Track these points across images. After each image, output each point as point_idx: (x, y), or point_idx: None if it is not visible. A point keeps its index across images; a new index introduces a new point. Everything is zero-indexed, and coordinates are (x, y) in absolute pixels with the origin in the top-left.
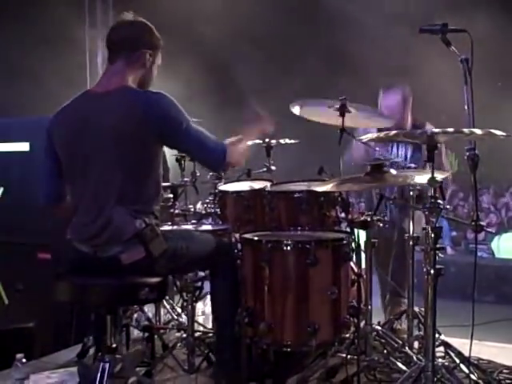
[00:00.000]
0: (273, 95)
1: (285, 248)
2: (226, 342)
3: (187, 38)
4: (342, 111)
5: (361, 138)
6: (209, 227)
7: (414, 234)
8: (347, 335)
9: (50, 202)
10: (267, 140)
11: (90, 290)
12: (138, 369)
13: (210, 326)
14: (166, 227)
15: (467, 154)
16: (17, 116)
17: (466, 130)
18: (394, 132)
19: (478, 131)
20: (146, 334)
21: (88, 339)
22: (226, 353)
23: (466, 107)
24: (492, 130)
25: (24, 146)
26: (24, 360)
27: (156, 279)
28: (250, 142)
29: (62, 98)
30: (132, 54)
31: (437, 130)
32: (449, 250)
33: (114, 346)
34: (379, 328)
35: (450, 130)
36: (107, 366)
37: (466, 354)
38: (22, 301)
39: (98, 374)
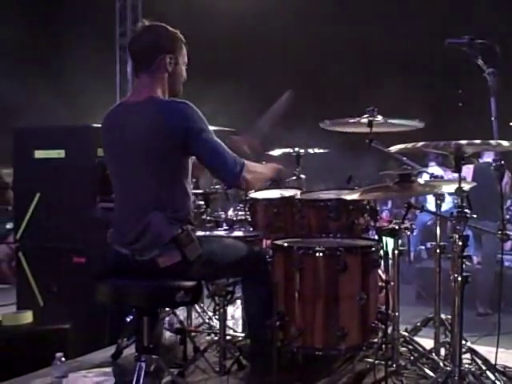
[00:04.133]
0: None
1: (315, 254)
2: (259, 347)
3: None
4: (370, 122)
5: (389, 148)
6: (240, 233)
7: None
8: (375, 340)
9: None
10: (297, 149)
11: (129, 291)
12: (170, 370)
13: (239, 329)
14: (198, 233)
15: (493, 164)
16: (53, 124)
17: (492, 142)
18: (421, 143)
19: (505, 143)
20: (179, 337)
21: (122, 341)
22: (259, 357)
23: (492, 118)
24: None
25: (60, 153)
26: (63, 359)
27: (191, 283)
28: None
29: (94, 106)
30: (151, 62)
31: (463, 142)
32: (475, 259)
33: (152, 346)
34: (406, 334)
35: (477, 141)
36: (144, 365)
37: (493, 361)
38: (58, 303)
39: (136, 373)
